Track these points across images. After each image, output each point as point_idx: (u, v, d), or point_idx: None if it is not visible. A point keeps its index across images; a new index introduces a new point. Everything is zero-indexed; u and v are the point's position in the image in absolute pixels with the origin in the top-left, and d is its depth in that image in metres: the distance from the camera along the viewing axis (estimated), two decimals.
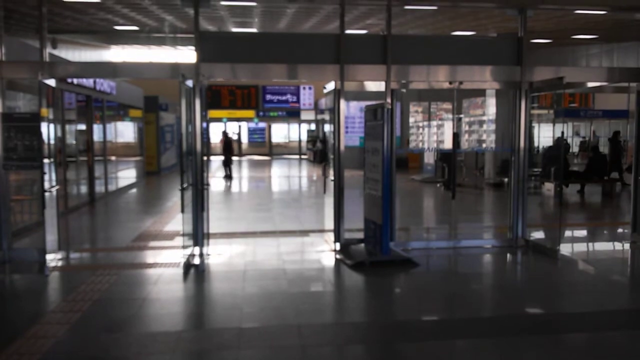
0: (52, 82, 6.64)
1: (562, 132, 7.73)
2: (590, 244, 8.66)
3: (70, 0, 12.84)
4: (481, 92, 8.15)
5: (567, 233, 8.74)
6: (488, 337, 4.40)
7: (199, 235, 6.60)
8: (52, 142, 6.71)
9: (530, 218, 8.02)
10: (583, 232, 9.45)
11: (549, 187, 13.51)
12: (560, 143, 10.73)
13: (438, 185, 15.48)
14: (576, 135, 27.33)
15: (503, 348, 4.22)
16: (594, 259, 7.46)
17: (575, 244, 8.25)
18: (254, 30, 17.30)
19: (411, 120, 8.81)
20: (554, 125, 10.69)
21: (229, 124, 31.96)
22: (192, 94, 6.52)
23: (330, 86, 7.30)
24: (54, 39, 16.33)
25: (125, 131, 16.52)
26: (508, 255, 7.35)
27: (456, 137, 7.65)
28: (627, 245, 7.85)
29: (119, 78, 12.70)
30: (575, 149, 26.41)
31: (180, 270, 6.27)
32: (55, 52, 15.69)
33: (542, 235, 8.48)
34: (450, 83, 7.29)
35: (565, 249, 7.26)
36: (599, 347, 4.24)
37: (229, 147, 18.12)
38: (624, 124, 23.08)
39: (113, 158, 14.34)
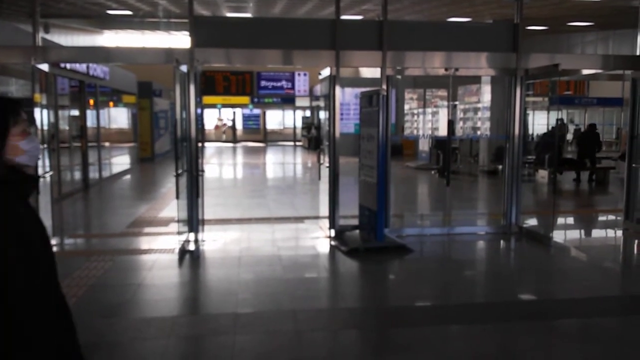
0: (45, 67, 6.58)
1: (561, 119, 7.75)
2: (583, 231, 8.73)
3: None
4: (476, 79, 8.13)
5: (560, 220, 8.80)
6: (481, 323, 4.44)
7: (194, 221, 6.60)
8: (45, 127, 6.67)
9: (524, 205, 8.07)
10: (576, 219, 9.51)
11: (542, 174, 13.57)
12: (555, 131, 10.73)
13: (432, 172, 15.52)
14: (570, 122, 27.40)
15: (496, 333, 4.27)
16: (586, 246, 7.52)
17: (568, 231, 8.32)
18: (248, 15, 17.16)
19: (406, 107, 8.78)
20: (548, 113, 10.71)
21: (224, 110, 31.85)
22: (187, 79, 6.47)
23: (326, 72, 7.26)
24: (47, 24, 16.12)
25: (118, 117, 16.42)
26: (502, 242, 7.40)
27: (451, 124, 7.65)
28: (619, 233, 7.92)
29: (113, 63, 12.59)
30: (569, 136, 26.49)
31: (175, 256, 6.27)
32: (48, 36, 15.51)
33: (536, 222, 8.53)
34: (446, 70, 7.27)
35: (558, 236, 7.31)
36: (591, 333, 4.29)
37: None
38: (617, 111, 23.16)
39: (107, 144, 14.27)
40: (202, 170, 6.74)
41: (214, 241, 7.02)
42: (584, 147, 13.66)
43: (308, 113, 31.62)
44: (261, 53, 7.05)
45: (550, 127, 13.06)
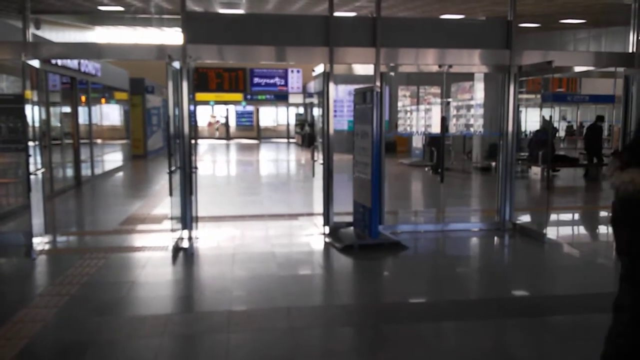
0: (35, 63, 6.52)
1: (551, 117, 7.78)
2: (576, 228, 8.77)
3: None
4: (470, 76, 8.14)
5: (554, 216, 8.84)
6: (475, 319, 4.45)
7: (187, 218, 6.57)
8: (36, 124, 6.61)
9: (517, 202, 8.09)
10: (569, 216, 9.56)
11: (535, 171, 13.63)
12: (547, 127, 10.74)
13: (426, 169, 15.54)
14: (563, 119, 27.54)
15: (490, 330, 4.27)
16: (579, 242, 7.56)
17: (561, 228, 8.35)
18: (241, 11, 17.09)
19: (399, 104, 8.78)
20: (541, 110, 10.75)
21: (217, 107, 31.75)
22: (179, 76, 6.43)
23: (319, 69, 7.25)
24: (37, 20, 15.99)
25: (110, 114, 16.32)
26: (495, 238, 7.42)
27: (444, 121, 7.66)
28: (611, 229, 7.94)
29: (104, 59, 12.51)
30: (562, 133, 26.66)
31: (169, 254, 6.25)
32: (39, 32, 15.37)
33: (529, 219, 8.56)
34: (440, 66, 7.27)
35: (551, 232, 7.34)
36: (584, 329, 4.31)
37: None
38: (609, 109, 23.29)
39: (99, 141, 14.18)
40: (196, 167, 6.72)
41: (208, 238, 6.99)
42: (591, 141, 13.63)
43: (301, 110, 31.60)
44: (254, 50, 7.01)
45: (542, 124, 13.14)
